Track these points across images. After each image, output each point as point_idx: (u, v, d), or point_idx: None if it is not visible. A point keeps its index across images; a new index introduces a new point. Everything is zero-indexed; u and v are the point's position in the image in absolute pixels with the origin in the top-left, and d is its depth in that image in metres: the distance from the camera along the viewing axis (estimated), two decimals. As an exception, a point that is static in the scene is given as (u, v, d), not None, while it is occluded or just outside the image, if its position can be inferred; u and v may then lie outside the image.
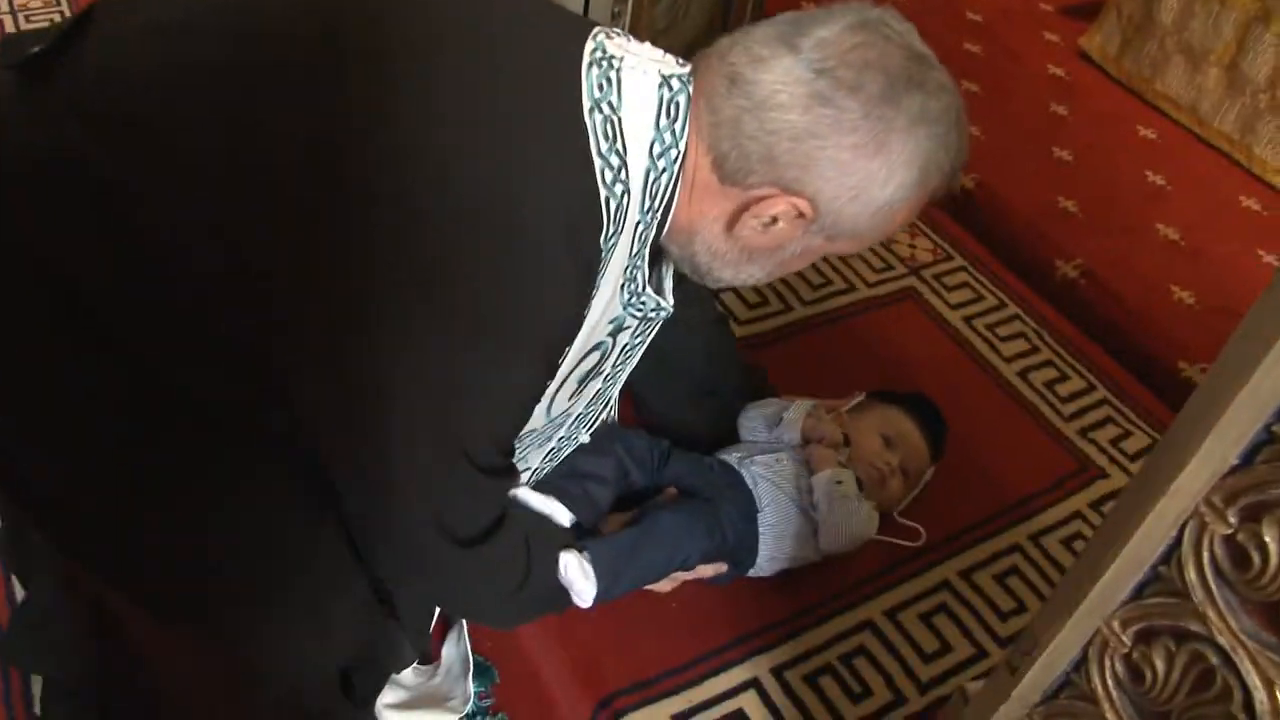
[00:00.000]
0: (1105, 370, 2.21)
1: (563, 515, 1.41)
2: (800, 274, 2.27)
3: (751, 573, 1.64)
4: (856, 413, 1.79)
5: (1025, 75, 3.04)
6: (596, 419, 1.45)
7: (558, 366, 1.09)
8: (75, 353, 0.96)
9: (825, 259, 2.28)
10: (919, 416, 1.82)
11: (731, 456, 1.67)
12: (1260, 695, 0.75)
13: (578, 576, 1.33)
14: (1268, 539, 0.72)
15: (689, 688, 1.56)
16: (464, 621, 1.56)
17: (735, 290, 2.20)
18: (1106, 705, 0.87)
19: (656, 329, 1.30)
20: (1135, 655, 0.84)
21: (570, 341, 1.08)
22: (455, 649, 1.57)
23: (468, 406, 0.96)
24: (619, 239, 1.05)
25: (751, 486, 1.61)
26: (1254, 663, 0.75)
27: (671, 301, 1.25)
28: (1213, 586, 0.77)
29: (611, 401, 1.47)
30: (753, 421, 1.76)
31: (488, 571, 1.15)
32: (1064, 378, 2.18)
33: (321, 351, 0.92)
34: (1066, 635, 0.90)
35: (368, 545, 1.12)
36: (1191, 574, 0.78)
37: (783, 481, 1.62)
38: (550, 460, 1.43)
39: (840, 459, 1.66)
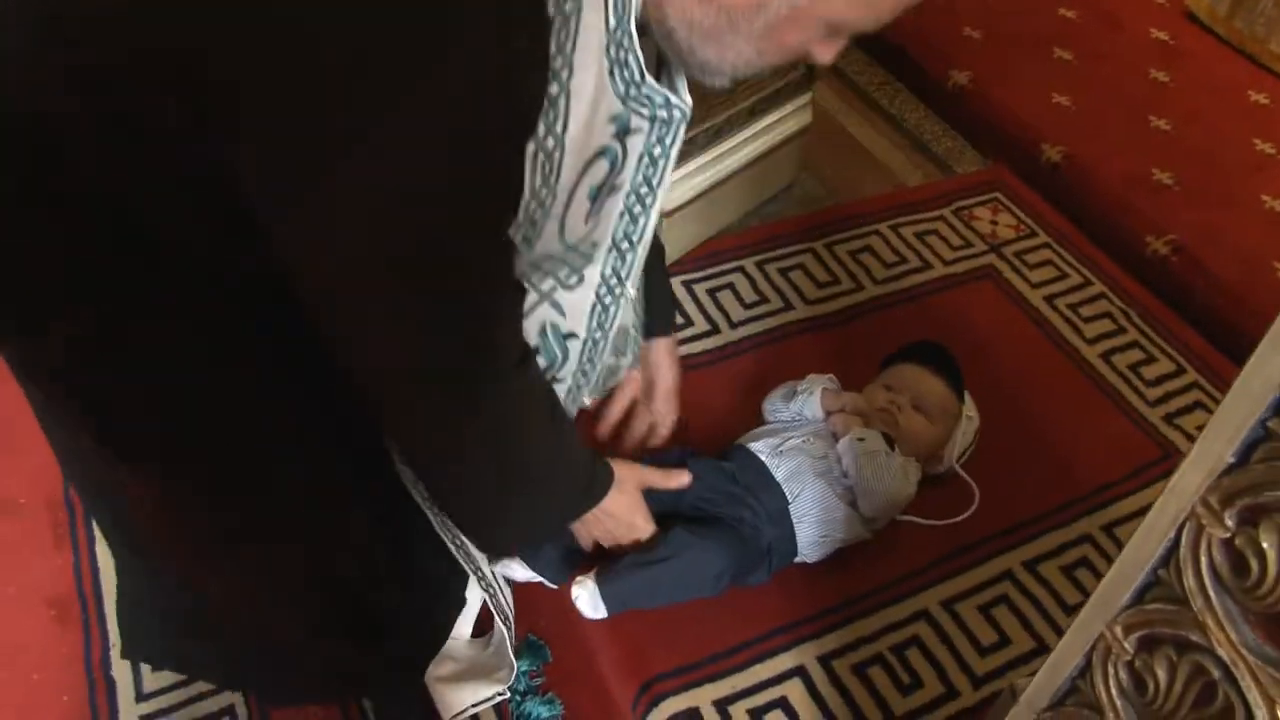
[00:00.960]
0: (1197, 352, 2.10)
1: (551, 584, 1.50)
2: (873, 251, 2.21)
3: (799, 559, 1.62)
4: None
5: (1125, 41, 2.89)
6: (630, 272, 1.19)
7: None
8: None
9: (899, 234, 2.23)
10: (916, 356, 1.81)
11: (760, 447, 1.63)
12: (1261, 714, 0.69)
13: (586, 607, 1.42)
14: (1265, 545, 0.67)
15: (733, 674, 1.54)
16: (507, 591, 1.55)
17: (804, 266, 2.15)
18: (1111, 714, 0.83)
19: (679, 140, 1.06)
20: (1138, 664, 0.79)
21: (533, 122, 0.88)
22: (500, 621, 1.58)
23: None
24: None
25: (782, 480, 1.58)
26: (1255, 679, 0.70)
27: (688, 100, 1.02)
28: (1212, 594, 0.72)
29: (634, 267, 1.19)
30: (772, 403, 1.76)
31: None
32: (1151, 360, 2.08)
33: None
34: (1072, 639, 0.86)
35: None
36: (1190, 580, 0.73)
37: (813, 463, 1.59)
38: (585, 370, 1.26)
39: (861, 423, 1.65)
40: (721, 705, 1.51)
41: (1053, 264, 2.27)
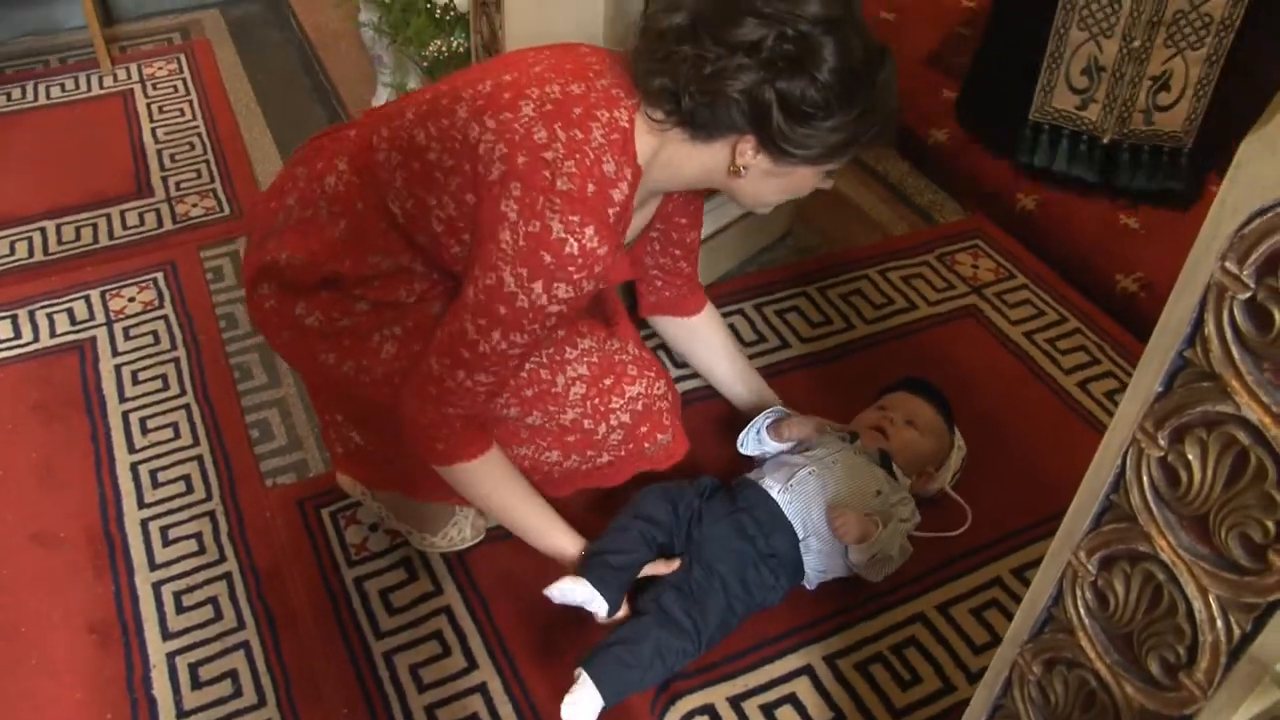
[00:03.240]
0: (1168, 378, 2.23)
1: (600, 607, 1.54)
2: (863, 294, 2.37)
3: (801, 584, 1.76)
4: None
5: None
6: None
7: None
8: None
9: (886, 278, 2.38)
10: (907, 386, 1.96)
11: (770, 483, 1.73)
12: (1198, 604, 0.82)
13: (584, 712, 1.48)
14: (1190, 457, 0.80)
15: (745, 673, 1.66)
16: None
17: (798, 308, 2.31)
18: (1081, 634, 0.95)
19: None
20: (1100, 582, 0.92)
21: None
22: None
23: None
24: None
25: (792, 517, 1.69)
26: (1191, 574, 0.82)
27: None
28: (1153, 507, 0.85)
29: None
30: (745, 446, 1.88)
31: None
32: (1124, 387, 2.19)
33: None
34: (1044, 572, 0.99)
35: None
36: (1136, 497, 0.86)
37: (814, 502, 1.70)
38: None
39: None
40: (735, 701, 1.62)
41: (1031, 303, 2.42)
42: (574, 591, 1.52)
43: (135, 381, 2.16)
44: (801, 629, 1.72)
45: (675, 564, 1.64)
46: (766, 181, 1.42)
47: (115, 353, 2.23)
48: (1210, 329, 0.78)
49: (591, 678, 1.47)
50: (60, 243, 2.57)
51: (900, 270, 2.47)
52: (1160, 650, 0.87)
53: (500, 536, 1.84)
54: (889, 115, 1.39)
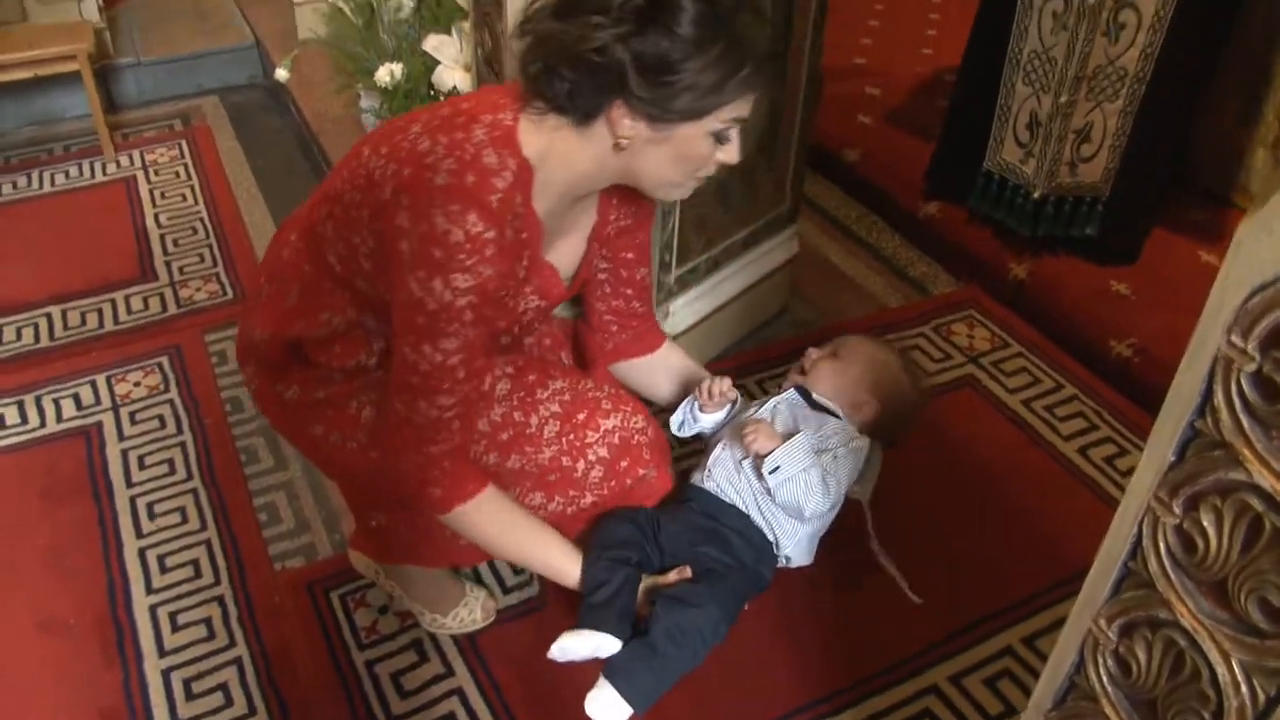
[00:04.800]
0: (1166, 443, 2.26)
1: (610, 645, 1.50)
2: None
3: (794, 564, 1.75)
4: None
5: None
6: None
7: None
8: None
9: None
10: None
11: (700, 478, 1.75)
12: (1221, 670, 0.83)
13: (610, 714, 1.46)
14: (1205, 524, 0.82)
15: (759, 750, 1.65)
16: None
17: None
18: (1105, 702, 0.96)
19: None
20: (1121, 649, 0.93)
21: None
22: None
23: None
24: None
25: (730, 498, 1.70)
26: (1212, 639, 0.84)
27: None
28: (1171, 574, 0.87)
29: None
30: (678, 425, 1.83)
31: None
32: (1124, 452, 2.24)
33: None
34: (1066, 639, 1.00)
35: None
36: (1153, 564, 0.88)
37: (736, 471, 1.70)
38: None
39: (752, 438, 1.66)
40: (749, 778, 1.62)
41: (1027, 371, 2.45)
42: (575, 646, 1.51)
43: (142, 466, 2.17)
44: (816, 703, 1.72)
45: (686, 571, 1.62)
46: (655, 153, 1.38)
47: (122, 437, 2.24)
48: (1219, 399, 0.80)
49: (611, 681, 1.46)
50: (66, 328, 2.59)
51: (897, 342, 2.50)
52: (1185, 717, 0.88)
53: (511, 618, 1.84)
54: (758, 54, 1.34)
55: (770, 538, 1.69)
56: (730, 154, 1.42)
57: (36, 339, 2.55)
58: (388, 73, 2.55)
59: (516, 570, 1.94)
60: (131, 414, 2.30)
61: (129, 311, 2.65)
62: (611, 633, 1.50)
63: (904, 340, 2.51)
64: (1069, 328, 2.54)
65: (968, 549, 1.97)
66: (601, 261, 1.70)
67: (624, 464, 1.66)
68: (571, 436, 1.61)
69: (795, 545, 1.72)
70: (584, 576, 1.56)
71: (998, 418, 2.33)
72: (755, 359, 2.45)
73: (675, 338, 2.22)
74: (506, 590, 1.91)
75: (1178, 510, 0.85)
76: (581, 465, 1.63)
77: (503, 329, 1.52)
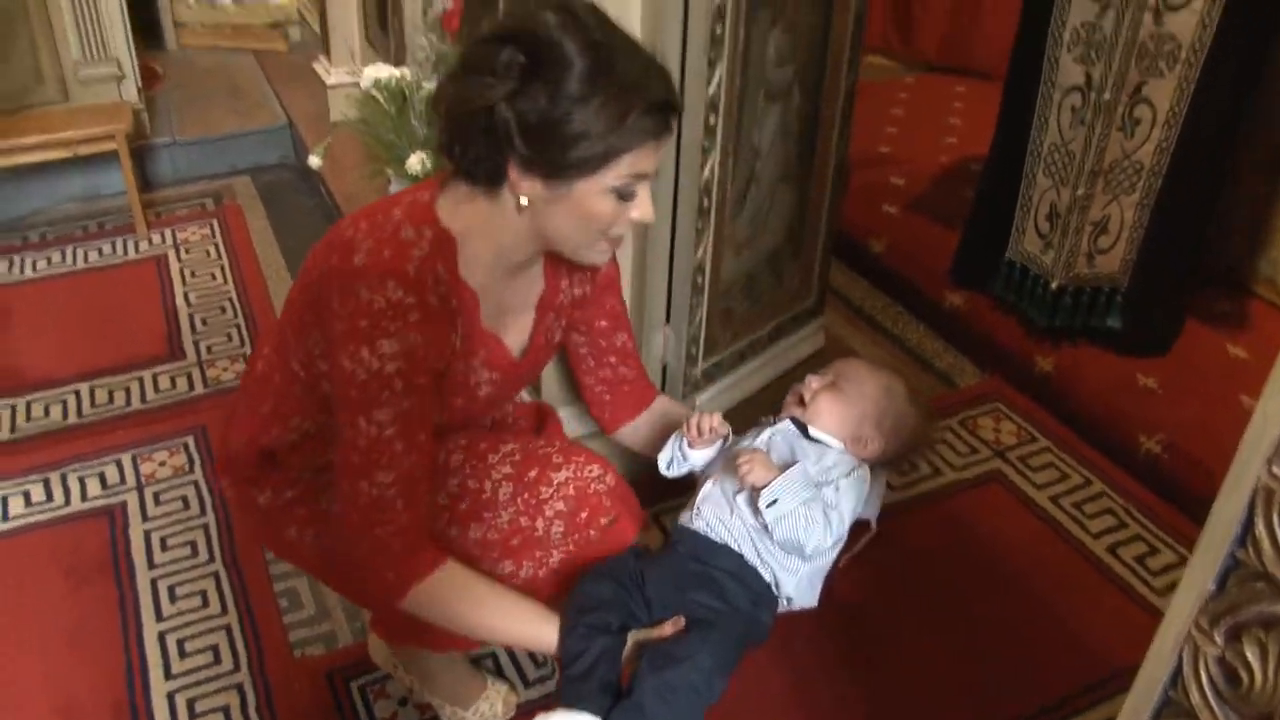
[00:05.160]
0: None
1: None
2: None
3: (798, 607, 1.64)
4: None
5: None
6: None
7: None
8: None
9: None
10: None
11: (688, 518, 1.64)
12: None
13: None
14: (1249, 656, 0.81)
15: None
16: None
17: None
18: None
19: None
20: (1161, 783, 0.91)
21: None
22: None
23: None
24: None
25: (721, 538, 1.59)
26: (1259, 778, 0.82)
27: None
28: (1214, 705, 0.85)
29: None
30: (671, 450, 1.73)
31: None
32: (1155, 551, 2.21)
33: None
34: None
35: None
36: (1195, 695, 0.86)
37: (727, 509, 1.60)
38: None
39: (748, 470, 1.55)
40: None
41: (1054, 466, 2.43)
42: None
43: (165, 548, 2.17)
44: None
45: (680, 622, 1.50)
46: (556, 212, 1.36)
47: (145, 518, 2.24)
48: (1260, 530, 0.79)
49: None
50: (93, 405, 2.61)
51: (924, 434, 2.49)
52: None
53: (533, 711, 1.81)
54: (647, 102, 1.30)
55: (768, 579, 1.58)
56: (642, 211, 1.39)
57: (65, 415, 2.57)
58: (419, 160, 2.58)
59: (538, 662, 1.92)
60: (156, 494, 2.30)
61: (156, 390, 2.67)
62: (590, 710, 1.40)
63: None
64: (1096, 422, 2.52)
65: (994, 648, 1.94)
66: (577, 335, 1.71)
67: (583, 515, 1.59)
68: (526, 495, 1.57)
69: (797, 586, 1.60)
70: (560, 646, 1.46)
71: (1025, 514, 2.30)
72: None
73: (700, 430, 2.22)
74: (528, 684, 1.89)
75: (1219, 640, 0.83)
76: (541, 524, 1.58)
77: (459, 405, 1.51)
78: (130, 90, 3.57)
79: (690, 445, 1.68)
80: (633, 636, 1.49)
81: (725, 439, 1.69)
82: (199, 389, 2.67)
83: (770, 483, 1.51)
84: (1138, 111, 2.43)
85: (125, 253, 3.29)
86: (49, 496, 2.29)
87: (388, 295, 1.32)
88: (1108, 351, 2.69)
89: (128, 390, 2.66)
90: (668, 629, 1.48)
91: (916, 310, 2.98)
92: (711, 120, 1.89)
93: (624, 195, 1.35)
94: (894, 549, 2.09)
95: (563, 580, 1.60)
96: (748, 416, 2.35)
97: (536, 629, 1.48)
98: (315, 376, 1.47)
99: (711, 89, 1.86)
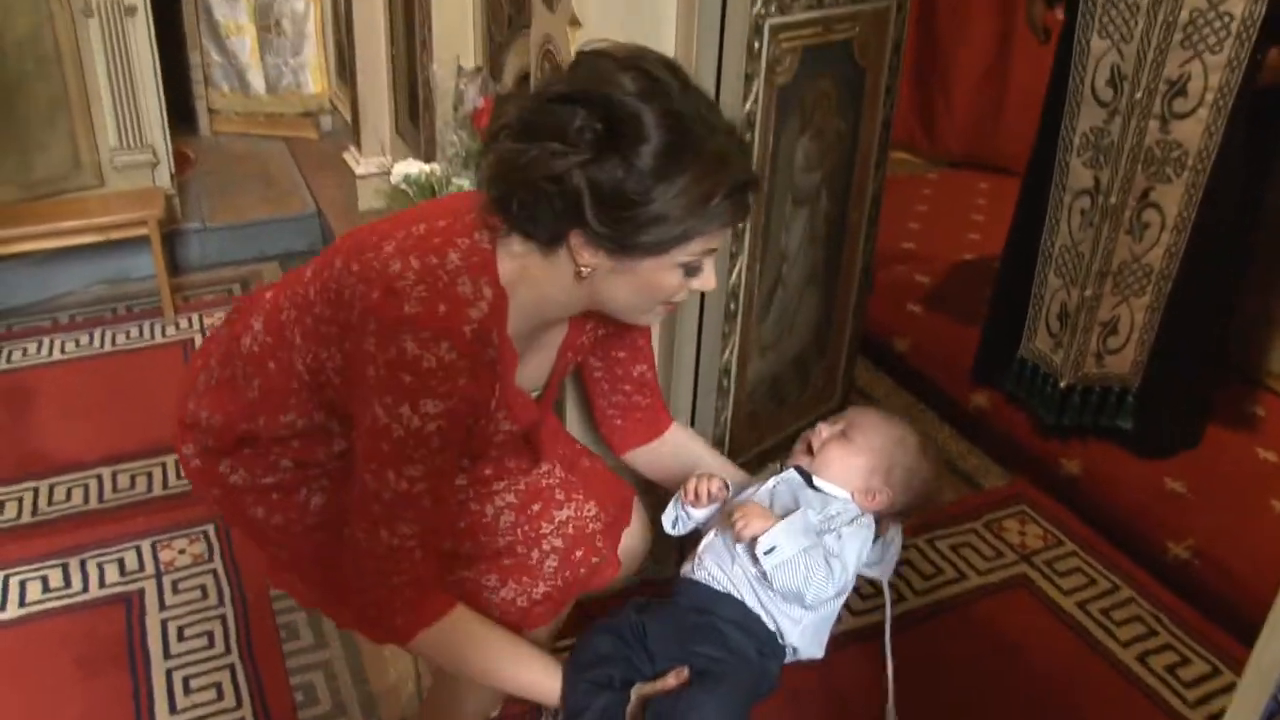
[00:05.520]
0: (1229, 653, 2.19)
1: None
2: (912, 564, 2.36)
3: (806, 657, 1.59)
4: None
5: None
6: None
7: None
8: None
9: (934, 547, 2.38)
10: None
11: (690, 569, 1.59)
12: None
13: None
14: (1300, 803, 0.79)
15: None
16: None
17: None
18: None
19: None
20: None
21: None
22: None
23: None
24: None
25: (724, 587, 1.54)
26: None
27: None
28: None
29: None
30: (673, 508, 1.69)
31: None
32: (1186, 661, 2.17)
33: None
34: None
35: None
36: (1243, 840, 0.84)
37: (730, 558, 1.55)
38: None
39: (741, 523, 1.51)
40: None
41: (1081, 571, 2.40)
42: None
43: (181, 638, 2.15)
44: None
45: (684, 674, 1.45)
46: (618, 283, 1.32)
47: (163, 606, 2.23)
48: (1310, 672, 0.77)
49: None
50: (115, 490, 2.61)
51: (948, 539, 2.47)
52: None
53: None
54: (731, 186, 1.26)
55: (772, 627, 1.53)
56: (706, 282, 1.36)
57: (86, 499, 2.57)
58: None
59: None
60: (174, 582, 2.29)
61: (178, 476, 2.66)
62: None
63: (954, 537, 2.48)
64: (1124, 526, 2.49)
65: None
66: (594, 360, 1.67)
67: (579, 554, 1.60)
68: (527, 527, 1.57)
69: (801, 635, 1.55)
70: (563, 702, 1.43)
71: (1052, 620, 2.26)
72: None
73: (723, 531, 2.20)
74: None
75: (1269, 784, 0.81)
76: (536, 554, 1.57)
77: (468, 451, 1.49)
78: (163, 176, 3.63)
79: (692, 506, 1.64)
80: (636, 691, 1.44)
81: (728, 489, 1.65)
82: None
83: (768, 530, 1.46)
84: (1146, 216, 2.45)
85: (152, 336, 3.32)
86: (67, 582, 2.28)
87: (440, 356, 1.25)
88: (1123, 451, 2.66)
89: (150, 475, 2.67)
90: (671, 680, 1.44)
91: (940, 410, 2.97)
92: (739, 225, 1.90)
93: (690, 271, 1.33)
94: (916, 656, 2.05)
95: (546, 613, 1.59)
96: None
97: (540, 679, 1.45)
98: (321, 384, 1.42)
99: (741, 193, 1.88)
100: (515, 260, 1.34)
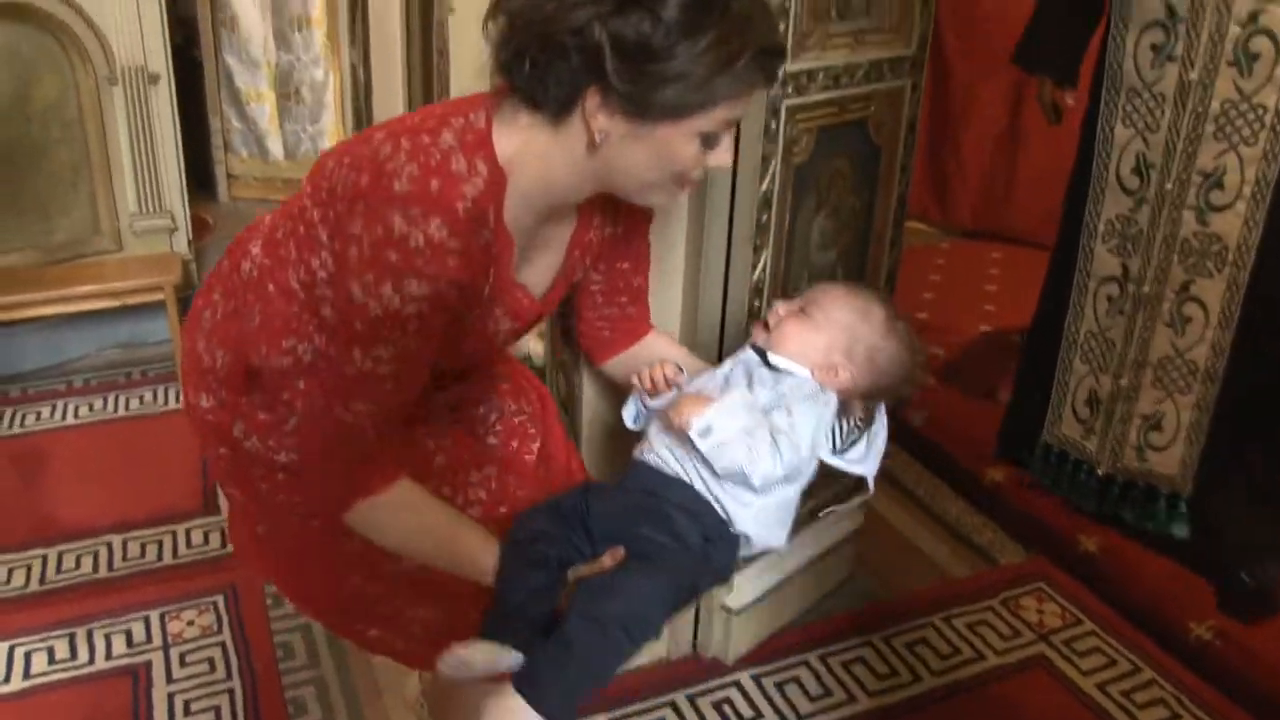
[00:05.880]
0: (1256, 739, 2.15)
1: (509, 659, 1.31)
2: (929, 643, 2.33)
3: (760, 547, 1.49)
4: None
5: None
6: None
7: None
8: None
9: (951, 625, 2.35)
10: None
11: (639, 451, 1.50)
12: None
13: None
14: None
15: None
16: None
17: (863, 659, 2.26)
18: None
19: None
20: None
21: None
22: None
23: None
24: None
25: (674, 471, 1.44)
26: None
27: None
28: None
29: None
30: (631, 401, 1.59)
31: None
32: (1210, 746, 2.13)
33: None
34: None
35: None
36: None
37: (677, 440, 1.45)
38: None
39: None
40: None
41: (1101, 651, 2.36)
42: (471, 657, 1.31)
43: (188, 712, 2.12)
44: None
45: (619, 553, 1.39)
46: (632, 150, 1.25)
47: (170, 679, 2.20)
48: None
49: (519, 688, 1.24)
50: (125, 559, 2.60)
51: (965, 617, 2.43)
52: None
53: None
54: (757, 47, 1.21)
55: (723, 515, 1.42)
56: (721, 159, 1.30)
57: (95, 568, 2.56)
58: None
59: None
60: (182, 655, 2.26)
61: (189, 545, 2.65)
62: (511, 643, 1.31)
63: (971, 615, 2.44)
64: (1144, 606, 2.45)
65: None
66: (595, 274, 1.59)
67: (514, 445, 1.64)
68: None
69: (754, 521, 1.44)
70: (496, 578, 1.39)
71: (1072, 702, 2.22)
72: (821, 634, 2.37)
73: (737, 614, 2.18)
74: None
75: None
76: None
77: (469, 350, 1.43)
78: (181, 242, 3.66)
79: (649, 397, 1.54)
80: (573, 573, 1.39)
81: (683, 374, 1.54)
82: (230, 546, 2.65)
83: (702, 413, 1.38)
84: (1187, 310, 2.37)
85: (165, 402, 3.33)
86: (73, 654, 2.25)
87: (430, 234, 1.19)
88: (1179, 565, 2.52)
89: (160, 544, 2.65)
90: (606, 561, 1.38)
91: (956, 484, 2.94)
92: (755, 304, 1.90)
93: (709, 142, 1.27)
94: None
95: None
96: (787, 598, 2.33)
97: (477, 554, 1.40)
98: (317, 299, 1.34)
99: (756, 274, 1.89)
100: (519, 135, 1.28)
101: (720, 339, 1.95)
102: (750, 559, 1.49)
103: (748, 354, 1.53)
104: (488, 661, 1.30)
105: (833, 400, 1.48)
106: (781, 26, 1.70)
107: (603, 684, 1.29)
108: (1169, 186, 2.29)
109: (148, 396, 3.34)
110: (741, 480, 1.39)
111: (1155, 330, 2.42)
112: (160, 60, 3.45)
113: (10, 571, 2.53)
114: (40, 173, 3.36)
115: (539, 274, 1.46)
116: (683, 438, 1.40)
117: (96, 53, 3.31)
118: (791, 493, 1.47)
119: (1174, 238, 2.34)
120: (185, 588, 2.47)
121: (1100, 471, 2.60)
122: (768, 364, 1.50)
